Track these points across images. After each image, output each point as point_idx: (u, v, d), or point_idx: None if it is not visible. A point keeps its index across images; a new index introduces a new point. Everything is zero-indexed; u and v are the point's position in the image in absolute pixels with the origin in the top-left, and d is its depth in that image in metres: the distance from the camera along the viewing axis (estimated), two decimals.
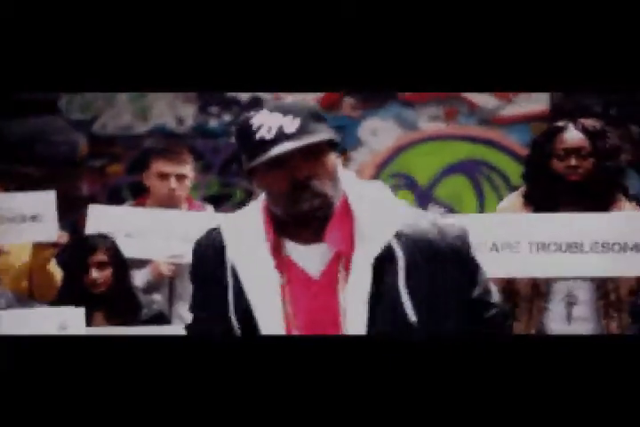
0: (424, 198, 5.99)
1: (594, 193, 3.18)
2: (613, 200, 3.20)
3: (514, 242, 3.08)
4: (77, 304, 3.16)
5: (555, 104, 5.72)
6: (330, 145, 1.91)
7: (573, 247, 3.07)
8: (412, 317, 1.89)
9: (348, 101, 5.96)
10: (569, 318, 3.16)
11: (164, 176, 3.92)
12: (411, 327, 1.89)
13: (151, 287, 3.79)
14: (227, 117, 6.05)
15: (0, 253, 3.75)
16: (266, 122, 1.88)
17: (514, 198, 3.35)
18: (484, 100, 5.85)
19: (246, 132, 1.90)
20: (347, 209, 1.95)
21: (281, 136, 1.86)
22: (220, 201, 5.79)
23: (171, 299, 3.82)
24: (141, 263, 3.79)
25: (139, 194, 4.26)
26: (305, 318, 1.93)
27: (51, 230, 3.68)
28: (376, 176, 6.00)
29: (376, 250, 1.91)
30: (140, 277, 3.77)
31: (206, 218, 3.81)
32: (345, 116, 5.99)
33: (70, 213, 4.48)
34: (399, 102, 5.93)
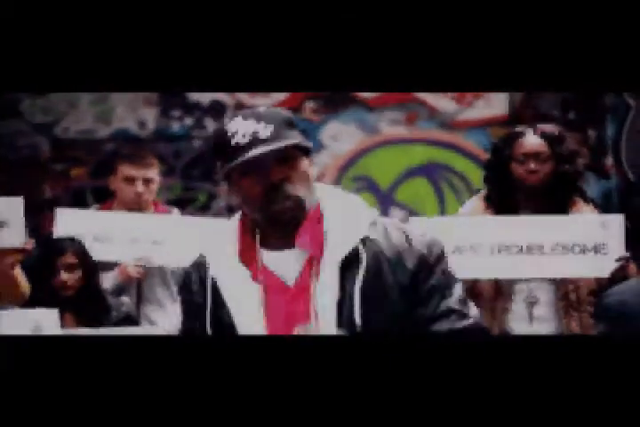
0: (386, 201, 6.05)
1: (553, 196, 3.27)
2: (572, 203, 3.30)
3: (476, 244, 3.16)
4: (47, 306, 3.18)
5: (513, 109, 5.82)
6: (302, 150, 1.98)
7: (534, 249, 3.16)
8: (358, 320, 1.93)
9: (309, 105, 6.02)
10: (530, 318, 3.25)
11: (130, 180, 3.94)
12: (356, 331, 1.93)
13: (119, 290, 3.82)
14: (188, 121, 6.08)
15: None
16: (240, 128, 1.94)
17: (475, 202, 3.43)
18: (444, 104, 5.94)
19: (222, 138, 1.96)
20: (318, 214, 2.00)
21: (255, 141, 1.93)
22: (184, 204, 5.81)
23: (139, 301, 3.86)
24: (109, 266, 3.82)
25: (103, 198, 4.28)
26: (282, 326, 1.98)
27: (17, 236, 3.66)
28: (338, 179, 6.06)
29: (343, 253, 1.95)
30: (108, 280, 3.79)
31: (173, 221, 3.85)
32: (306, 119, 6.04)
33: (33, 217, 4.47)
34: (360, 106, 6.00)
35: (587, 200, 3.34)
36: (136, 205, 3.95)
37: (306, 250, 1.97)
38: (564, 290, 3.22)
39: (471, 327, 2.04)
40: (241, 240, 2.02)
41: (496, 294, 3.24)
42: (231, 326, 1.99)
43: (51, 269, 3.44)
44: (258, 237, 2.01)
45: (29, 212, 3.92)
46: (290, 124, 1.98)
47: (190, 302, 2.08)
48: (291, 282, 1.99)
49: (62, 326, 3.29)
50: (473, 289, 3.27)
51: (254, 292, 1.99)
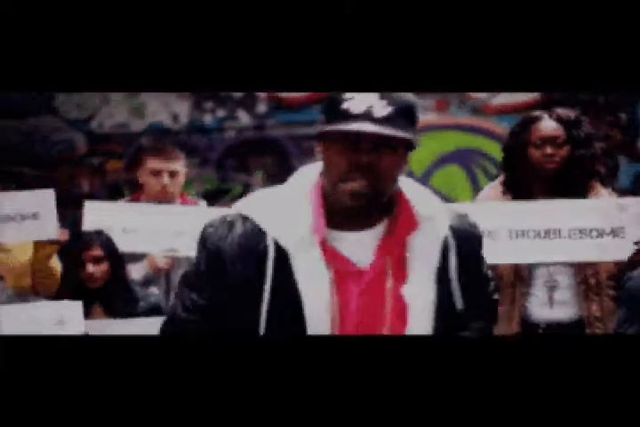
0: None
1: (570, 180, 3.27)
2: (589, 187, 3.29)
3: (493, 230, 3.17)
4: (75, 298, 3.26)
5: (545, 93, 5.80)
6: (406, 145, 1.87)
7: (552, 234, 3.17)
8: (460, 305, 1.94)
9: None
10: (551, 303, 3.26)
11: (156, 173, 4.01)
12: (458, 315, 1.95)
13: (148, 280, 3.89)
14: (221, 113, 6.14)
15: (2, 251, 3.84)
16: (359, 96, 1.83)
17: (493, 187, 3.44)
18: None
19: (337, 97, 1.84)
20: (405, 201, 1.93)
21: (366, 115, 1.81)
22: (219, 196, 5.89)
23: (167, 291, 3.92)
24: (138, 257, 3.89)
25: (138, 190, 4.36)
26: (353, 311, 1.90)
27: (51, 228, 3.74)
28: None
29: (439, 239, 1.92)
30: (137, 271, 3.86)
31: (199, 212, 3.90)
32: None
33: (72, 211, 4.56)
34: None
35: (605, 184, 3.34)
36: (162, 198, 4.02)
37: (382, 233, 1.90)
38: (584, 274, 3.22)
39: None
40: (314, 211, 1.89)
41: (515, 278, 3.25)
42: (295, 313, 1.87)
43: (78, 262, 3.51)
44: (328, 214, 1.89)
45: (67, 206, 4.02)
46: (410, 114, 1.86)
47: (233, 273, 1.90)
48: (365, 267, 1.91)
49: (90, 317, 3.38)
50: (494, 274, 3.28)
51: (325, 274, 1.88)
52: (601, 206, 3.19)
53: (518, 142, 3.33)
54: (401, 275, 1.92)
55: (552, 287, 3.25)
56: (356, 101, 1.82)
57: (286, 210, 1.91)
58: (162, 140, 5.35)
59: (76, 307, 2.93)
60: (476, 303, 2.02)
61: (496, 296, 2.17)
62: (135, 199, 4.14)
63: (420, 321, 1.93)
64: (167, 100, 6.12)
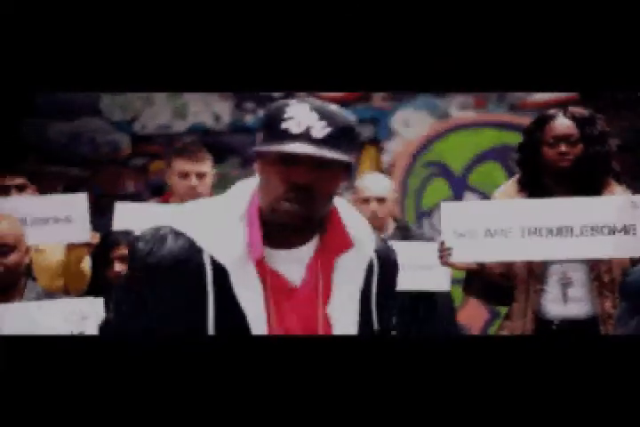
0: (459, 186, 6.09)
1: (585, 178, 3.29)
2: (605, 184, 3.31)
3: (507, 227, 3.20)
4: (103, 296, 3.37)
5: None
6: (345, 166, 1.87)
7: (564, 231, 3.19)
8: (377, 326, 1.97)
9: (379, 93, 6.08)
10: (565, 299, 3.27)
11: (184, 175, 4.10)
12: (373, 334, 1.97)
13: None
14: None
15: (36, 252, 3.96)
16: (298, 116, 1.80)
17: (509, 185, 3.47)
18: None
19: (276, 116, 1.82)
20: (338, 220, 1.94)
21: (305, 136, 1.79)
22: None
23: None
24: None
25: None
26: (287, 327, 1.91)
27: (83, 231, 3.83)
28: (410, 166, 6.12)
29: (365, 262, 1.94)
30: None
31: None
32: (377, 107, 6.12)
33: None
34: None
35: (620, 181, 3.34)
36: (190, 199, 4.08)
37: (313, 251, 1.92)
38: (598, 271, 3.24)
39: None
40: (250, 230, 1.87)
41: (529, 275, 3.28)
42: (241, 323, 1.86)
43: (106, 261, 3.62)
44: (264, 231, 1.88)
45: (111, 207, 4.12)
46: (349, 135, 1.85)
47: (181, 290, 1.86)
48: (296, 284, 1.91)
49: None
50: (509, 270, 3.32)
51: (259, 290, 1.88)
52: (614, 204, 3.20)
53: (533, 141, 3.36)
54: (328, 295, 1.92)
55: (566, 284, 3.27)
56: (294, 121, 1.80)
57: (222, 227, 1.89)
58: (191, 142, 5.43)
59: (98, 304, 3.01)
60: (387, 325, 2.04)
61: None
62: (164, 201, 4.24)
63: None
64: (209, 100, 6.22)
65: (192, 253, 1.86)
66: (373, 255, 1.96)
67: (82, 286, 3.88)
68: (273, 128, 1.82)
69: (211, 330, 1.86)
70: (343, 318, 1.92)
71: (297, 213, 1.83)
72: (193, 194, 4.09)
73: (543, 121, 3.35)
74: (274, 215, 1.86)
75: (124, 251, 3.62)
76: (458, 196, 6.04)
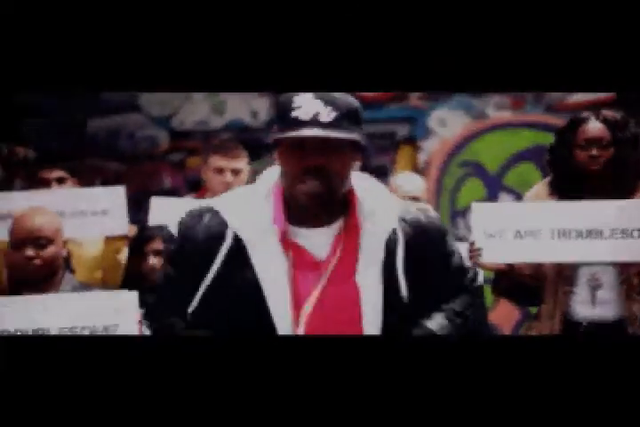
0: (494, 186, 6.09)
1: (616, 181, 3.30)
2: (635, 188, 3.31)
3: (536, 229, 3.22)
4: (137, 289, 3.42)
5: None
6: (354, 146, 2.06)
7: (594, 234, 3.20)
8: (404, 293, 2.07)
9: (415, 93, 6.10)
10: (594, 302, 3.29)
11: (220, 171, 4.15)
12: (403, 304, 2.08)
13: None
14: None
15: (74, 245, 4.02)
16: (305, 104, 2.00)
17: (540, 187, 3.48)
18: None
19: (285, 107, 2.03)
20: (356, 199, 2.11)
21: (314, 122, 1.99)
22: None
23: None
24: None
25: None
26: (317, 301, 2.05)
27: (120, 224, 3.88)
28: (446, 165, 6.13)
29: (387, 232, 2.08)
30: None
31: None
32: (413, 107, 6.14)
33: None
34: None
35: None
36: None
37: (337, 231, 2.07)
38: (627, 274, 3.25)
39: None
40: (276, 212, 2.07)
41: (558, 277, 3.29)
42: (254, 286, 2.04)
43: (141, 255, 3.68)
44: (289, 211, 2.07)
45: (148, 202, 4.17)
46: (355, 117, 2.04)
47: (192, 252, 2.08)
48: (322, 258, 2.07)
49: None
50: (538, 272, 3.34)
51: (283, 264, 2.05)
52: None
53: (564, 143, 3.37)
54: (353, 265, 2.07)
55: (595, 286, 3.28)
56: (303, 109, 2.00)
57: (250, 205, 2.10)
58: (228, 138, 5.48)
59: (133, 297, 3.06)
60: (438, 294, 2.15)
61: (475, 285, 2.29)
62: (199, 196, 4.29)
63: (372, 313, 2.06)
64: (247, 97, 6.27)
65: (220, 228, 2.07)
66: (398, 226, 2.09)
67: (119, 278, 3.94)
68: (284, 117, 2.03)
69: (196, 301, 2.06)
70: (369, 290, 2.06)
71: (314, 193, 2.02)
72: (227, 190, 4.12)
73: (575, 124, 3.36)
74: (294, 197, 2.05)
75: (158, 245, 3.68)
76: (492, 196, 6.05)
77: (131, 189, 4.22)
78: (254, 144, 5.23)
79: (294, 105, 2.01)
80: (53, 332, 2.88)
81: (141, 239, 3.72)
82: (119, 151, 6.35)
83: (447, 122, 6.15)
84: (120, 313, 3.01)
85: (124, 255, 3.99)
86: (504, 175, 6.09)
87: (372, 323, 2.07)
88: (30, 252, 3.08)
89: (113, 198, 3.90)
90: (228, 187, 4.13)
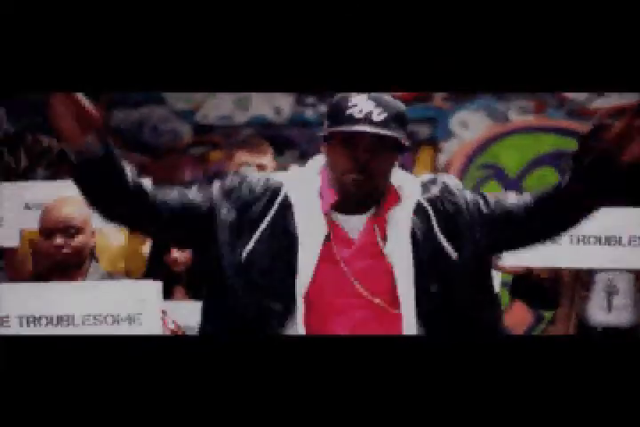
0: (512, 189, 6.11)
1: (635, 189, 3.32)
2: None
3: None
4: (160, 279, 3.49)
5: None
6: (398, 146, 2.22)
7: (612, 240, 3.24)
8: (453, 254, 2.21)
9: (440, 93, 6.13)
10: (609, 308, 3.33)
11: (244, 166, 4.21)
12: (452, 263, 2.21)
13: None
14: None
15: (99, 235, 4.09)
16: (360, 104, 2.20)
17: None
18: (575, 93, 5.92)
19: (341, 104, 2.22)
20: (392, 188, 2.27)
21: (366, 120, 2.18)
22: None
23: None
24: None
25: None
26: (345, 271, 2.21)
27: None
28: (465, 167, 6.16)
29: (411, 206, 2.24)
30: None
31: None
32: (436, 107, 6.17)
33: None
34: (490, 94, 6.06)
35: None
36: None
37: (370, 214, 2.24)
38: None
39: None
40: (323, 185, 2.25)
41: (575, 282, 3.34)
42: (292, 244, 2.20)
43: (164, 246, 3.75)
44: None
45: None
46: (401, 120, 2.22)
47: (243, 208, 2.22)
48: (355, 236, 2.24)
49: (173, 297, 3.61)
50: (555, 276, 3.39)
51: (321, 232, 2.21)
52: None
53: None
54: (382, 242, 2.23)
55: (611, 292, 3.32)
56: (357, 108, 2.20)
57: (303, 175, 2.31)
58: (252, 134, 5.54)
59: (157, 287, 3.12)
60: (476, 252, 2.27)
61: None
62: None
63: (406, 281, 2.20)
64: (271, 94, 6.31)
65: (278, 186, 2.25)
66: (423, 201, 2.25)
67: (141, 268, 4.02)
68: (339, 115, 2.21)
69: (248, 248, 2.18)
70: (401, 261, 2.21)
71: (361, 184, 2.19)
72: None
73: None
74: (341, 186, 2.21)
75: None
76: None
77: (153, 182, 4.28)
78: (277, 141, 5.31)
79: (349, 104, 2.20)
80: (78, 319, 2.95)
81: None
82: (142, 143, 6.40)
83: (469, 124, 6.17)
84: (144, 303, 3.07)
85: (147, 246, 4.05)
86: (523, 179, 6.11)
87: (406, 294, 2.20)
88: (60, 240, 3.15)
89: None
90: None
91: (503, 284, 3.83)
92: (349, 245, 2.23)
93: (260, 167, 4.23)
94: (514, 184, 6.09)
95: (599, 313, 3.33)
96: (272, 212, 2.22)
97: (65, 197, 3.27)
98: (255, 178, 2.28)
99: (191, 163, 6.43)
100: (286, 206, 2.23)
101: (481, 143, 6.15)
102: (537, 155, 6.07)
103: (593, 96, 5.91)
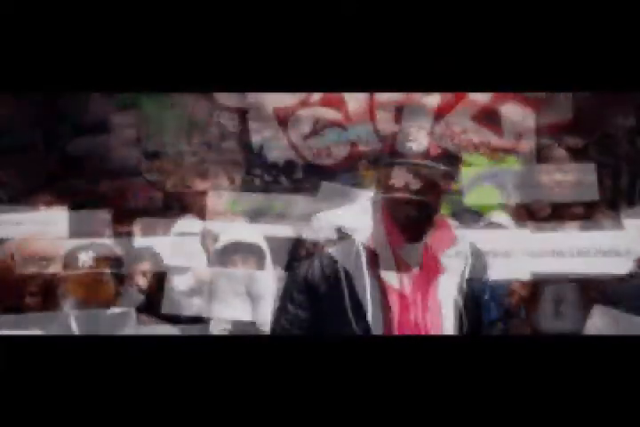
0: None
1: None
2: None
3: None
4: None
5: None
6: (450, 177, 2.49)
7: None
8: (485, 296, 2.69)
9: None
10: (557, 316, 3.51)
11: (202, 192, 4.33)
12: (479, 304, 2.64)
13: (192, 291, 4.19)
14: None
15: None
16: (420, 137, 2.47)
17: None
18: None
19: (401, 138, 2.47)
20: (444, 222, 2.58)
21: (423, 155, 2.45)
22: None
23: (210, 301, 4.21)
24: (183, 270, 4.20)
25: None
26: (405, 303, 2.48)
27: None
28: None
29: (464, 256, 2.57)
30: (182, 282, 4.17)
31: (237, 228, 4.22)
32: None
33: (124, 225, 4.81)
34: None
35: None
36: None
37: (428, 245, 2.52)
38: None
39: None
40: (386, 223, 2.48)
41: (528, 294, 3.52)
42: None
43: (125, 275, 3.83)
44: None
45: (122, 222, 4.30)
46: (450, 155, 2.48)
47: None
48: (415, 268, 2.51)
49: (140, 323, 3.68)
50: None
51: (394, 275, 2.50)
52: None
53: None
54: (437, 279, 2.52)
55: (559, 301, 3.50)
56: (415, 142, 2.45)
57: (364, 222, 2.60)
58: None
59: (130, 314, 3.19)
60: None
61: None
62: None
63: (450, 321, 2.48)
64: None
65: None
66: (467, 247, 2.57)
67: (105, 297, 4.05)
68: (397, 147, 2.47)
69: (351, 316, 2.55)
70: (449, 299, 2.51)
71: (415, 220, 2.46)
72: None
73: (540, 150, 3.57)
74: (396, 220, 2.45)
75: (144, 267, 3.83)
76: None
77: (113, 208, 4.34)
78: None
79: (410, 137, 2.45)
80: None
81: (128, 260, 3.87)
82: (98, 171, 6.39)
83: None
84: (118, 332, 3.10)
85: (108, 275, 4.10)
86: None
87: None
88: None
89: (98, 222, 4.03)
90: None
91: None
92: (411, 275, 2.55)
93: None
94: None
95: (548, 322, 3.50)
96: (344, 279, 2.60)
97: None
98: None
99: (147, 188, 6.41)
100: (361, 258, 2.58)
101: None
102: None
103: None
